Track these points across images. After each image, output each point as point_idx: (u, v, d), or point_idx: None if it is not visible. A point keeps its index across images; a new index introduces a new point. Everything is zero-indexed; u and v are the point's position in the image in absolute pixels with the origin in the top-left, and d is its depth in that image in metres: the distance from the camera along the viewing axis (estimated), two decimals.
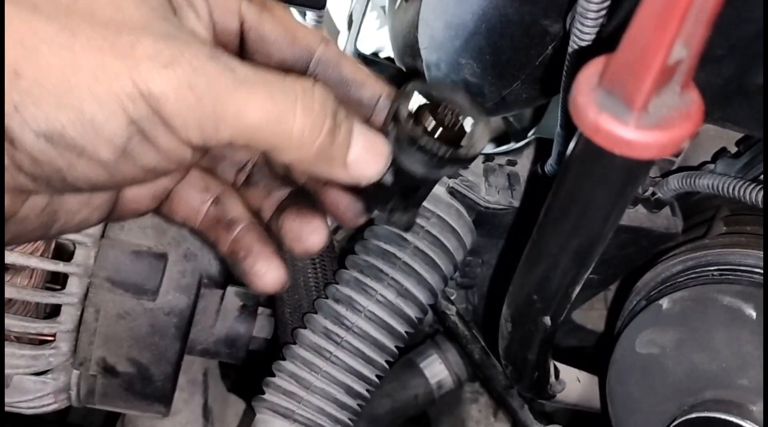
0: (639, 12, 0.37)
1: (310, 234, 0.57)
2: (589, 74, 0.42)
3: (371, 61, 0.93)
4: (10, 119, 0.41)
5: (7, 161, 0.42)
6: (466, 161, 0.53)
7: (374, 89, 0.56)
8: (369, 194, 0.56)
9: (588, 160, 0.44)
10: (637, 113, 0.39)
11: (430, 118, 0.53)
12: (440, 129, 0.52)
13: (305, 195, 0.59)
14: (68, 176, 0.43)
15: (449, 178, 0.84)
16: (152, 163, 0.45)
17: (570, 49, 0.61)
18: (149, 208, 0.59)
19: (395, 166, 0.52)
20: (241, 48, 0.54)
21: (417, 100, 0.53)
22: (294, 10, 0.95)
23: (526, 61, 0.74)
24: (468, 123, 0.53)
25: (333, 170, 0.49)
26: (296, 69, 0.55)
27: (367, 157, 0.49)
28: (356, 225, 0.61)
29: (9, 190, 0.45)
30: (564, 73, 0.64)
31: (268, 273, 0.57)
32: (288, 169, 0.53)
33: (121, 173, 0.44)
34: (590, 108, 0.40)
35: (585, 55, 0.60)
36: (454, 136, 0.52)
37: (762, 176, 0.85)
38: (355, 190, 0.56)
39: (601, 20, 0.58)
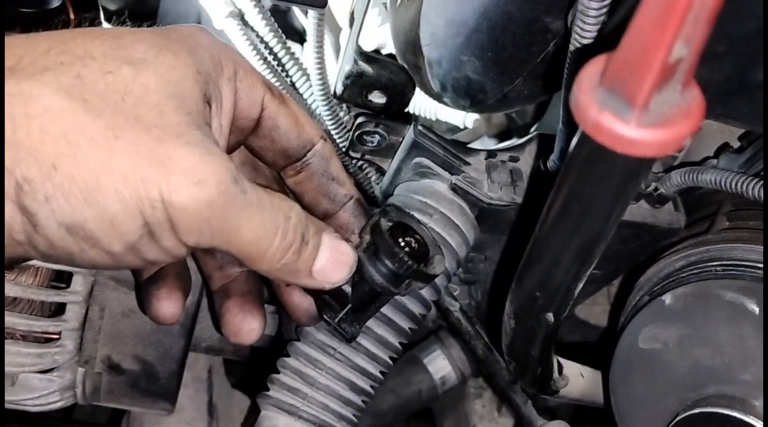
0: (639, 11, 0.37)
1: (246, 332, 0.65)
2: (590, 73, 0.42)
3: (373, 59, 0.93)
4: (39, 207, 0.43)
5: (22, 237, 0.45)
6: (426, 280, 0.63)
7: (350, 190, 0.66)
8: (326, 300, 0.63)
9: (590, 159, 0.44)
10: (639, 112, 0.39)
11: (402, 237, 0.62)
12: (409, 249, 0.61)
13: (253, 283, 0.68)
14: (77, 259, 0.47)
15: (452, 174, 0.84)
16: (153, 257, 0.49)
17: (571, 47, 0.61)
18: None
19: (359, 276, 0.60)
20: (254, 130, 0.60)
21: (389, 221, 0.63)
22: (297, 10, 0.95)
23: (527, 58, 0.74)
24: (430, 252, 0.63)
25: (298, 279, 0.56)
26: (294, 156, 0.63)
27: (331, 267, 0.57)
28: (309, 325, 0.74)
29: (10, 255, 0.48)
30: (565, 70, 0.64)
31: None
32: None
33: (124, 263, 0.48)
34: (592, 107, 0.40)
35: (586, 53, 0.60)
36: (418, 259, 0.61)
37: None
38: (315, 293, 0.63)
39: (602, 18, 0.58)
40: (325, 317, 0.64)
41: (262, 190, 0.51)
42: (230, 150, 0.62)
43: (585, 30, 0.58)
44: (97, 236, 0.45)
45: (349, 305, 0.62)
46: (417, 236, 0.63)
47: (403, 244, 0.62)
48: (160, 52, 0.49)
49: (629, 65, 0.39)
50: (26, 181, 0.43)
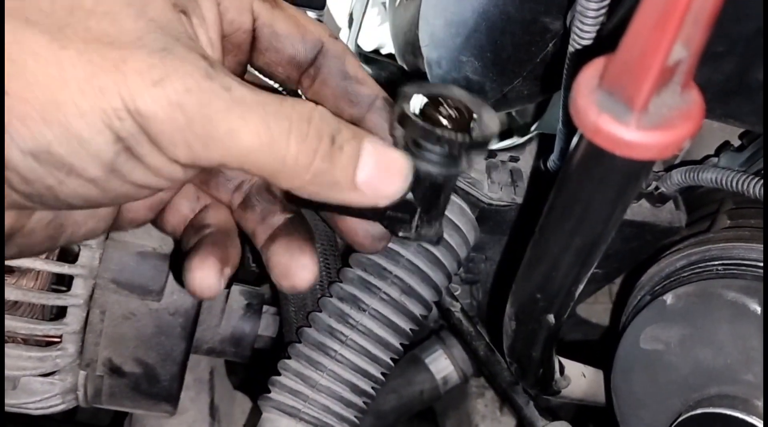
0: (638, 13, 0.37)
1: (297, 271, 0.55)
2: (589, 75, 0.42)
3: (372, 59, 0.93)
4: None
5: None
6: (484, 145, 0.51)
7: (373, 89, 0.57)
8: (390, 216, 0.54)
9: (589, 161, 0.44)
10: (638, 114, 0.39)
11: (437, 112, 0.52)
12: (450, 121, 0.51)
13: (300, 225, 0.58)
14: (60, 194, 0.43)
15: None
16: (142, 180, 0.44)
17: (570, 48, 0.61)
18: (146, 219, 0.59)
19: (413, 177, 0.50)
20: (253, 45, 0.54)
21: (418, 100, 0.53)
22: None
23: (527, 58, 0.74)
24: (473, 112, 0.52)
25: (341, 194, 0.47)
26: (305, 62, 0.56)
27: (382, 177, 0.48)
28: (378, 250, 0.61)
29: (8, 207, 0.45)
30: (564, 71, 0.64)
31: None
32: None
33: (113, 190, 0.44)
34: (590, 109, 0.40)
35: (585, 53, 0.60)
36: (464, 126, 0.51)
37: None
38: (375, 212, 0.54)
39: (601, 18, 0.57)
40: (400, 234, 0.55)
41: (262, 92, 0.44)
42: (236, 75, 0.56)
43: (584, 30, 0.58)
44: (67, 160, 0.41)
45: (418, 210, 0.53)
46: (449, 102, 0.53)
47: (442, 120, 0.52)
48: None
49: (628, 67, 0.38)
50: None
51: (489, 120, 0.53)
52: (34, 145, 0.40)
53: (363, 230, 0.59)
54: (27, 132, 0.40)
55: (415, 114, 0.51)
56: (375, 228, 0.58)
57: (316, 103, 0.54)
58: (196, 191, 0.60)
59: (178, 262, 0.75)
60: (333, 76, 0.56)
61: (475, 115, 0.52)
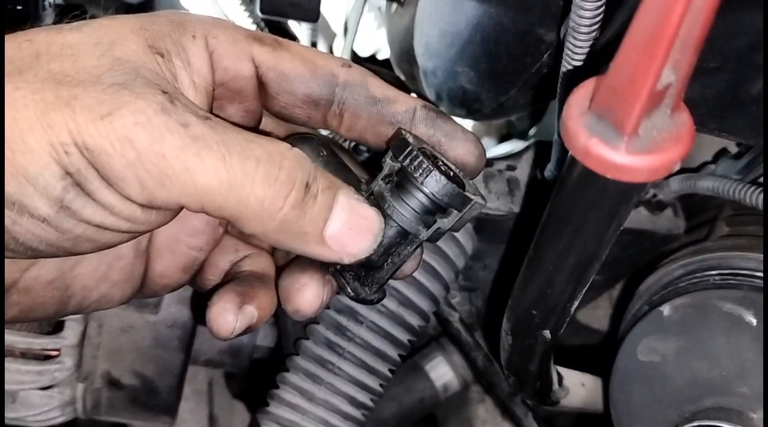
0: (627, 39, 0.37)
1: (298, 289, 0.52)
2: (579, 98, 0.41)
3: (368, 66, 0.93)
4: None
5: None
6: (473, 206, 0.47)
7: (408, 102, 0.53)
8: (343, 269, 0.50)
9: (580, 183, 0.44)
10: (628, 137, 0.39)
11: (434, 161, 0.48)
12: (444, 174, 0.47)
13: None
14: (18, 236, 0.41)
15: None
16: (97, 218, 0.42)
17: (564, 62, 0.60)
18: (181, 282, 0.56)
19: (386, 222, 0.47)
20: (264, 90, 0.52)
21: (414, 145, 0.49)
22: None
23: (522, 68, 0.74)
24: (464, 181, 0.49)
25: (306, 246, 0.45)
26: (322, 99, 0.52)
27: (351, 234, 0.45)
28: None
29: None
30: (559, 85, 0.64)
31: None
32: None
33: (70, 231, 0.42)
34: (581, 133, 0.40)
35: (580, 67, 0.60)
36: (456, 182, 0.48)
37: (762, 178, 0.85)
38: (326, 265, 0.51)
39: (594, 34, 0.57)
40: (342, 287, 0.50)
41: (231, 130, 0.42)
42: (252, 123, 0.54)
43: (576, 46, 0.58)
44: (16, 198, 0.39)
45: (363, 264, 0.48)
46: (445, 162, 0.49)
47: (438, 165, 0.48)
48: (98, 20, 0.43)
49: (617, 92, 0.38)
50: None
51: (476, 190, 0.50)
52: None
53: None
54: None
55: (426, 154, 0.47)
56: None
57: (357, 143, 0.54)
58: (235, 243, 0.57)
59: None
60: (361, 105, 0.53)
61: (464, 183, 0.49)
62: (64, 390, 0.85)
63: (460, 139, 0.53)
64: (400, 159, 0.47)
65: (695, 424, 0.67)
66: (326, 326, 0.81)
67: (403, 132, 0.50)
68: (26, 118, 0.39)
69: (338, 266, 0.50)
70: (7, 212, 0.40)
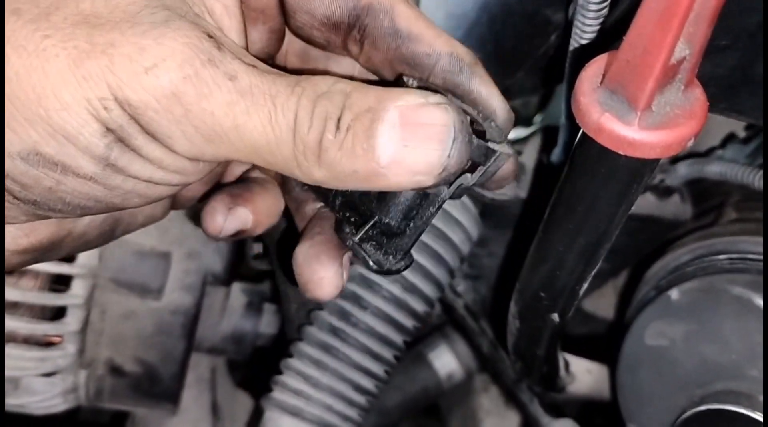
0: (640, 12, 0.36)
1: (317, 286, 0.49)
2: (591, 74, 0.41)
3: None
4: None
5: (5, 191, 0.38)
6: (498, 158, 0.43)
7: (434, 47, 0.46)
8: (342, 212, 0.46)
9: (592, 160, 0.43)
10: (641, 113, 0.38)
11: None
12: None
13: (326, 222, 0.51)
14: (64, 196, 0.39)
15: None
16: (146, 174, 0.39)
17: (572, 43, 0.60)
18: (203, 192, 0.54)
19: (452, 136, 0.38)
20: (282, 7, 0.47)
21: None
22: None
23: (528, 50, 0.73)
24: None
25: (366, 183, 0.39)
26: (343, 22, 0.47)
27: (409, 151, 0.38)
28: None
29: (27, 218, 0.41)
30: (567, 65, 0.63)
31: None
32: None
33: (119, 187, 0.40)
34: (593, 108, 0.39)
35: (588, 48, 0.59)
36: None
37: None
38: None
39: (603, 11, 0.56)
40: (340, 235, 0.46)
41: (272, 75, 0.38)
42: (272, 49, 0.50)
43: (586, 24, 0.57)
44: (58, 158, 0.37)
45: (376, 217, 0.44)
46: (462, 106, 0.44)
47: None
48: None
49: (631, 66, 0.38)
50: None
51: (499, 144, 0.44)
52: (21, 148, 0.37)
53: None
54: (12, 134, 0.36)
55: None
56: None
57: (370, 76, 0.48)
58: None
59: None
60: (382, 36, 0.46)
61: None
62: (66, 377, 0.85)
63: (485, 93, 0.47)
64: None
65: (704, 408, 0.67)
66: (330, 312, 0.80)
67: (405, 77, 0.45)
68: (58, 70, 0.36)
69: (356, 239, 0.45)
70: (49, 173, 0.38)
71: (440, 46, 0.46)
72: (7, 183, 0.38)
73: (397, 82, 0.47)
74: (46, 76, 0.36)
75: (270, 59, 0.51)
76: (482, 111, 0.46)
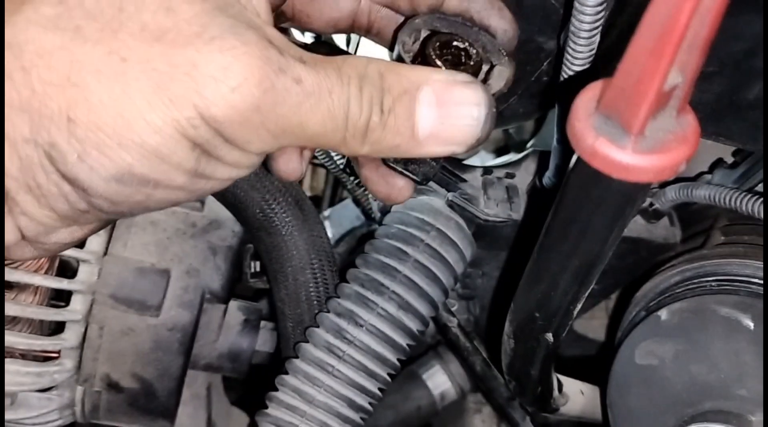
0: (635, 40, 0.38)
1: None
2: (586, 99, 0.42)
3: None
4: (77, 169, 0.38)
5: (84, 205, 0.41)
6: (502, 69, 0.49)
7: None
8: None
9: (586, 184, 0.45)
10: (634, 138, 0.40)
11: (440, 52, 0.49)
12: (451, 66, 0.48)
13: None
14: (151, 205, 0.42)
15: (448, 191, 0.84)
16: (226, 174, 0.43)
17: (564, 68, 0.61)
18: None
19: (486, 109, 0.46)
20: None
21: (421, 33, 0.49)
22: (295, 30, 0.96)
23: (522, 77, 0.75)
24: (485, 61, 0.49)
25: (408, 153, 0.46)
26: None
27: (445, 127, 0.45)
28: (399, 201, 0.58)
29: (97, 223, 0.44)
30: (558, 90, 0.65)
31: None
32: None
33: (200, 189, 0.43)
34: (588, 133, 0.41)
35: (579, 74, 0.61)
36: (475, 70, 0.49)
37: (759, 186, 0.86)
38: None
39: (594, 39, 0.58)
40: (409, 175, 0.53)
41: (323, 66, 0.42)
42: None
43: (577, 51, 0.59)
44: (152, 177, 0.40)
45: None
46: (461, 48, 0.49)
47: (439, 62, 0.48)
48: None
49: (625, 93, 0.39)
50: (52, 146, 0.37)
51: (496, 78, 0.50)
52: (116, 171, 0.39)
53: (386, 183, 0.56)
54: (105, 159, 0.38)
55: (413, 51, 0.48)
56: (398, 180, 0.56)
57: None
58: None
59: None
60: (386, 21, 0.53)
61: (485, 67, 0.49)
62: (63, 392, 0.85)
63: (495, 15, 0.53)
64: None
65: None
66: (326, 329, 0.81)
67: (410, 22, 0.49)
68: (143, 95, 0.38)
69: (401, 166, 0.52)
70: (142, 189, 0.40)
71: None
72: (98, 202, 0.41)
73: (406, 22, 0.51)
74: (132, 102, 0.38)
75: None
76: (489, 31, 0.52)
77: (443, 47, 0.49)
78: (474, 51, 0.50)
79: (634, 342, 0.76)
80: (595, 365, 0.95)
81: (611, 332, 0.99)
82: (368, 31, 0.56)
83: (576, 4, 0.55)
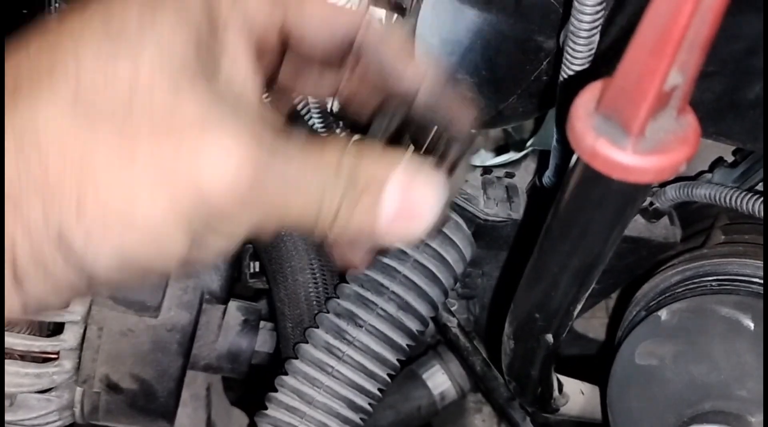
0: (635, 40, 0.37)
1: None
2: (585, 99, 0.42)
3: None
4: (81, 253, 0.38)
5: (85, 288, 0.41)
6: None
7: (414, 78, 0.52)
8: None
9: (586, 184, 0.44)
10: (635, 138, 0.40)
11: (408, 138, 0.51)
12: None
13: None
14: (144, 281, 0.44)
15: None
16: (217, 247, 0.44)
17: (563, 68, 0.61)
18: None
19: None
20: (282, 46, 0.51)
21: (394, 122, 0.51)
22: None
23: (521, 76, 0.75)
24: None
25: (367, 239, 0.47)
26: (340, 54, 0.52)
27: (405, 221, 0.45)
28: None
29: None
30: (558, 90, 0.65)
31: None
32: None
33: (194, 258, 0.43)
34: (588, 133, 0.41)
35: (579, 73, 0.61)
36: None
37: (759, 185, 0.86)
38: None
39: (593, 38, 0.58)
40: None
41: (312, 146, 0.43)
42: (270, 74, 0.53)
43: (576, 50, 0.59)
44: (149, 265, 0.41)
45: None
46: (434, 136, 0.51)
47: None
48: (153, 20, 0.41)
49: (625, 93, 0.39)
50: (61, 230, 0.38)
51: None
52: (121, 258, 0.40)
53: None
54: (108, 246, 0.39)
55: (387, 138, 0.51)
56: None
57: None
58: None
59: None
60: (373, 71, 0.53)
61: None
62: (62, 394, 0.85)
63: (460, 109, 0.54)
64: None
65: None
66: (325, 329, 0.81)
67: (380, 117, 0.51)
68: (147, 186, 0.39)
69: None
70: (134, 275, 0.41)
71: (421, 75, 0.52)
72: (98, 285, 0.42)
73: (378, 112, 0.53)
74: (140, 186, 0.38)
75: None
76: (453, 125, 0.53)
77: (415, 132, 0.52)
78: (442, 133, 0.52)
79: (634, 342, 0.76)
80: (595, 364, 0.95)
81: (611, 331, 0.99)
82: (346, 106, 0.57)
83: (575, 3, 0.55)
